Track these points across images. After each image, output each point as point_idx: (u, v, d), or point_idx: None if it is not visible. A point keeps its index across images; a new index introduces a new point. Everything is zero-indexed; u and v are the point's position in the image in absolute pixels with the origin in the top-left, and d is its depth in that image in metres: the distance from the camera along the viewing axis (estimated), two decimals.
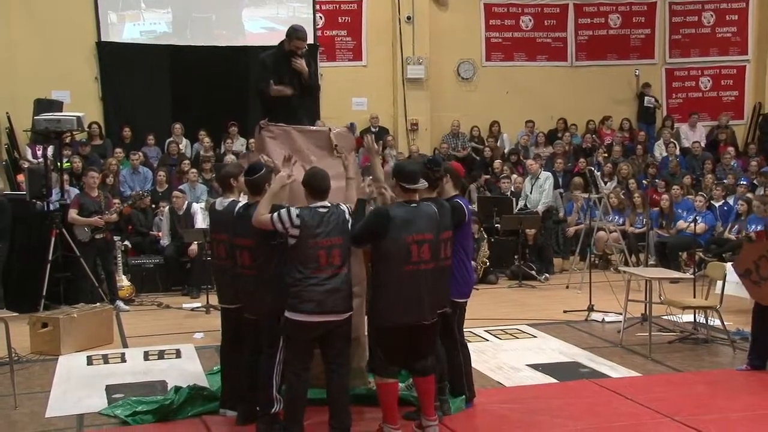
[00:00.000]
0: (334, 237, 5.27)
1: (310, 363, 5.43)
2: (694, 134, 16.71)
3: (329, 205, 5.37)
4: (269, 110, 6.66)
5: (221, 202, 6.07)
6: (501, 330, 8.71)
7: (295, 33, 6.74)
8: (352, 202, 5.65)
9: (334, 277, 5.27)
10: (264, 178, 5.63)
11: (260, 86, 6.75)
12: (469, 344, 7.11)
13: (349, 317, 5.43)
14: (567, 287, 11.22)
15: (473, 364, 6.90)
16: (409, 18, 16.06)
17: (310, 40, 15.04)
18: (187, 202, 11.42)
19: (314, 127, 6.83)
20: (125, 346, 8.38)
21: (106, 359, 7.78)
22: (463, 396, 6.10)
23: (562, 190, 13.98)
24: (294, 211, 5.26)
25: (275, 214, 5.27)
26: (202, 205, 11.62)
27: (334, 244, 5.26)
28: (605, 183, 12.67)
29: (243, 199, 5.94)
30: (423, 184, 5.43)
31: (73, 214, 9.91)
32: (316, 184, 5.40)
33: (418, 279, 5.25)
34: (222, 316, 6.17)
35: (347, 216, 5.41)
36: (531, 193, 12.69)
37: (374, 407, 5.88)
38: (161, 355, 7.85)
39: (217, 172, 9.76)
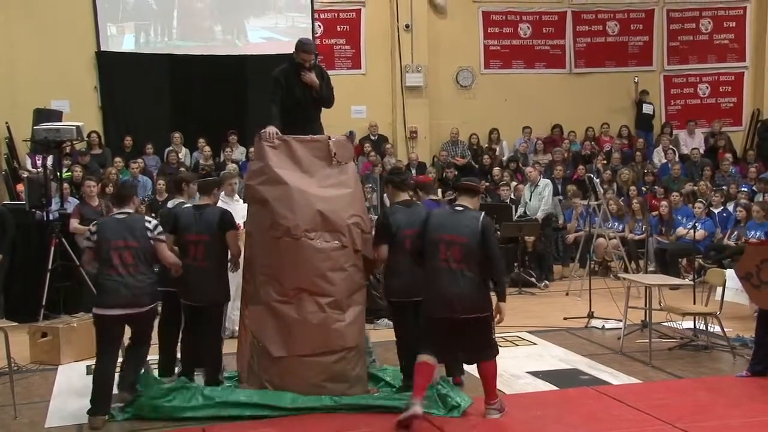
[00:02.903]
0: (130, 240, 6.11)
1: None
2: (692, 141, 16.73)
3: (129, 212, 6.32)
4: (289, 121, 6.71)
5: (173, 203, 7.31)
6: (501, 337, 8.66)
7: (302, 46, 6.88)
8: (356, 210, 5.73)
9: (129, 275, 6.04)
10: (215, 181, 7.10)
11: (272, 100, 6.80)
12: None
13: (147, 311, 6.19)
14: (567, 294, 11.22)
15: (473, 371, 6.92)
16: (407, 26, 16.10)
17: None
18: None
19: (313, 137, 6.86)
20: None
21: None
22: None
23: (561, 197, 13.99)
24: (93, 226, 6.34)
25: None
26: None
27: (129, 246, 6.09)
28: (604, 190, 12.67)
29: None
30: None
31: (74, 223, 9.91)
32: (118, 194, 6.65)
33: (446, 275, 5.84)
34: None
35: (146, 224, 6.25)
36: (530, 200, 12.69)
37: (374, 414, 5.92)
38: None
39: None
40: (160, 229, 6.32)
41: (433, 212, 6.15)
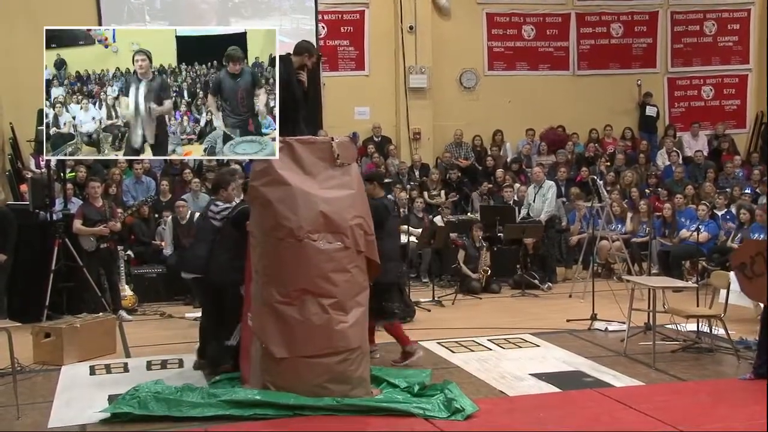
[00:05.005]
0: (199, 220, 7.84)
1: None
2: (696, 143, 16.71)
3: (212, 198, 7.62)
4: (285, 118, 6.71)
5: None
6: (504, 339, 8.69)
7: (313, 48, 7.22)
8: (359, 211, 5.74)
9: (191, 247, 7.85)
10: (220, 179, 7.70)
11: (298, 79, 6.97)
12: (472, 353, 7.21)
13: (194, 279, 7.49)
14: (570, 296, 11.21)
15: (476, 373, 6.97)
16: (411, 27, 16.09)
17: None
18: (190, 212, 11.45)
19: (316, 138, 6.85)
20: (128, 356, 8.37)
21: (108, 369, 7.78)
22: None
23: (564, 199, 13.97)
24: None
25: None
26: None
27: (196, 225, 8.03)
28: (608, 192, 12.65)
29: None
30: None
31: (77, 224, 9.92)
32: (213, 183, 8.07)
33: None
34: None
35: (211, 206, 7.42)
36: (534, 201, 12.68)
37: (376, 416, 5.91)
38: (164, 364, 7.84)
39: None
40: (224, 213, 7.28)
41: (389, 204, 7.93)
